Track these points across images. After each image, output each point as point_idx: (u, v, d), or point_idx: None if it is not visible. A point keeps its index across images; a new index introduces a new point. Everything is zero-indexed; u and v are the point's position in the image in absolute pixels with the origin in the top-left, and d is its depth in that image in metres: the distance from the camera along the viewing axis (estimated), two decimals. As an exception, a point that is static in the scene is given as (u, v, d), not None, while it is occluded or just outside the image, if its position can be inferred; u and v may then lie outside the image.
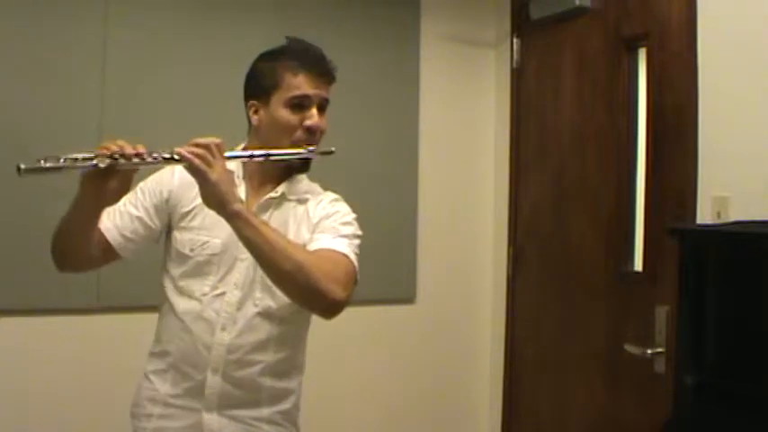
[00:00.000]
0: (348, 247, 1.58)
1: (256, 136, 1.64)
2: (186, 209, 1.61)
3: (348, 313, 2.83)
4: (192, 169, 1.41)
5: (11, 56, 2.35)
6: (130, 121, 2.43)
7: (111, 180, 1.43)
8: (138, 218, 1.62)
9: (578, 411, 2.56)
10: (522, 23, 2.93)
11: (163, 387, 1.64)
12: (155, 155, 1.42)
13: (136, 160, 1.41)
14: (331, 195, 1.72)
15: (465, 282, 3.07)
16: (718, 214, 1.99)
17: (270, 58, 1.66)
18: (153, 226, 1.63)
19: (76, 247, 1.55)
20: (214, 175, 1.40)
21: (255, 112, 1.63)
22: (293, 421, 1.70)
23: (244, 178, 1.64)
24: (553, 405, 2.69)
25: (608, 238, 2.46)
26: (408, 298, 2.97)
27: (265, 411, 1.63)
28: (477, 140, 3.09)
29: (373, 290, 2.89)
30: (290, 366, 1.68)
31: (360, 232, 1.67)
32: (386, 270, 2.90)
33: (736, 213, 1.93)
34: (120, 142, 1.41)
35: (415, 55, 2.96)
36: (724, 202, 1.98)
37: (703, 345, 1.57)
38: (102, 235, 1.59)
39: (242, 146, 1.66)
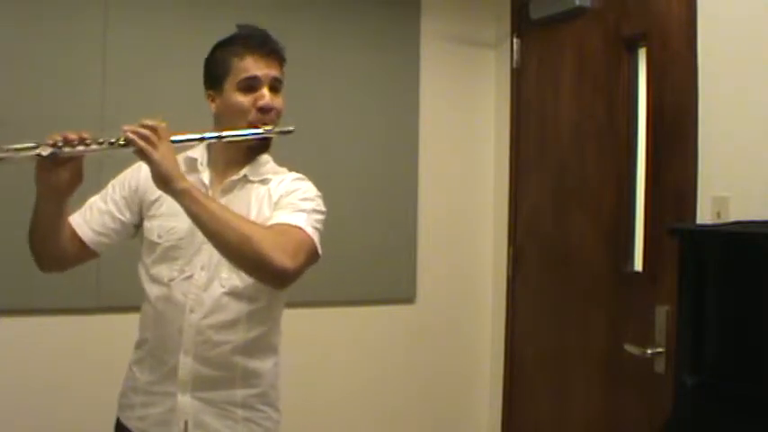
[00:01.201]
0: (305, 221, 1.59)
1: (218, 124, 1.67)
2: (154, 197, 1.65)
3: (348, 313, 2.88)
4: (138, 151, 1.45)
5: (11, 56, 2.36)
6: (131, 121, 2.42)
7: (61, 171, 1.48)
8: (107, 211, 1.67)
9: (578, 411, 2.56)
10: (522, 23, 2.93)
11: (142, 375, 1.68)
12: (100, 140, 1.46)
13: (80, 147, 1.46)
14: (294, 175, 1.74)
15: (465, 282, 3.07)
16: (718, 214, 1.99)
17: (219, 47, 1.70)
18: (123, 218, 1.67)
19: (48, 244, 1.60)
20: (157, 154, 1.44)
21: (213, 101, 1.68)
22: (270, 403, 1.73)
23: (208, 165, 1.69)
24: (553, 405, 2.69)
25: (608, 238, 2.46)
26: (408, 298, 2.97)
27: (239, 394, 1.66)
28: (477, 140, 3.09)
29: (373, 290, 2.91)
30: (263, 346, 1.70)
31: (323, 209, 1.69)
32: (386, 270, 2.91)
33: (736, 213, 1.93)
34: (68, 132, 1.46)
35: (415, 55, 2.96)
36: (724, 202, 1.98)
37: (703, 345, 1.57)
38: (73, 231, 1.63)
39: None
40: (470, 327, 3.08)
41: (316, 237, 1.61)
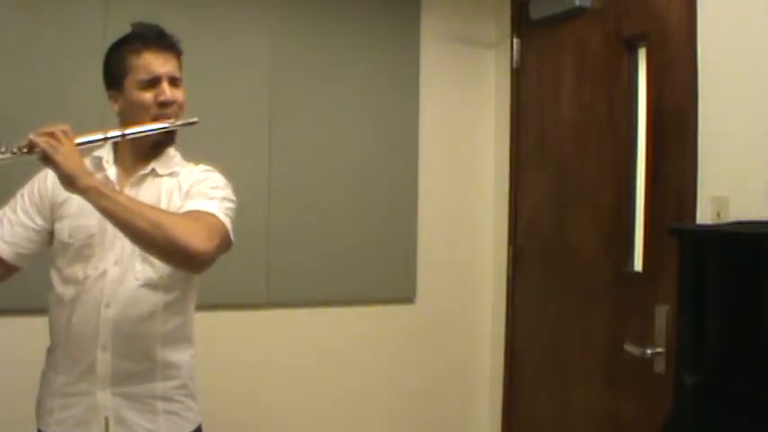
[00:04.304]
0: (216, 208, 1.61)
1: (122, 124, 1.68)
2: (62, 198, 1.65)
3: (348, 313, 2.89)
4: (42, 157, 1.46)
5: (11, 56, 2.35)
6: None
7: None
8: (19, 222, 1.66)
9: (578, 411, 2.56)
10: (522, 23, 2.93)
11: (57, 379, 1.68)
12: (2, 149, 1.48)
13: None
14: (203, 167, 1.75)
15: (465, 282, 3.07)
16: (718, 214, 1.99)
17: (116, 47, 1.73)
18: (34, 226, 1.66)
19: None
20: (59, 155, 1.45)
21: (115, 101, 1.70)
22: (189, 394, 1.74)
23: (115, 162, 1.71)
24: (553, 405, 2.69)
25: (608, 238, 2.46)
26: (408, 298, 2.97)
27: (159, 387, 1.67)
28: (477, 140, 3.09)
29: (373, 290, 2.92)
30: (180, 337, 1.72)
31: (233, 198, 1.69)
32: (386, 270, 2.91)
33: (735, 213, 1.93)
34: None
35: (415, 55, 2.96)
36: (724, 202, 1.98)
37: (703, 345, 1.57)
38: None
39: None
40: (470, 327, 3.08)
41: (227, 223, 1.62)
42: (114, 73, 1.69)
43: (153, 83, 1.65)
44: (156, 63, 1.65)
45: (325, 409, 2.84)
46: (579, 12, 2.58)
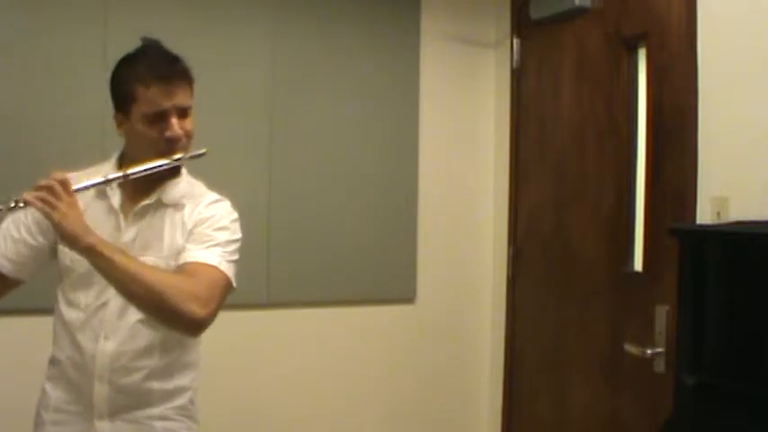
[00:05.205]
0: (219, 257, 1.58)
1: (126, 146, 1.66)
2: None
3: (348, 313, 2.89)
4: (41, 213, 1.44)
5: (11, 57, 2.35)
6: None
7: None
8: (21, 240, 1.63)
9: (578, 411, 2.56)
10: (522, 23, 2.93)
11: (55, 393, 1.66)
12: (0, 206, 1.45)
13: None
14: (210, 197, 1.69)
15: (465, 282, 3.07)
16: (718, 214, 1.99)
17: (125, 66, 1.63)
18: (36, 244, 1.63)
19: None
20: (57, 215, 1.42)
21: (120, 124, 1.63)
22: (189, 416, 1.71)
23: (119, 186, 1.64)
24: (553, 405, 2.69)
25: (608, 238, 2.46)
26: (408, 298, 2.97)
27: (156, 411, 1.65)
28: (477, 140, 3.09)
29: (373, 290, 2.92)
30: (179, 367, 1.69)
31: (237, 236, 1.66)
32: (386, 270, 2.91)
33: (736, 213, 1.93)
34: None
35: (415, 55, 2.96)
36: (724, 202, 1.98)
37: (703, 345, 1.57)
38: None
39: (117, 153, 1.67)
40: (470, 326, 3.08)
41: (230, 271, 1.60)
42: (121, 96, 1.61)
43: (160, 117, 1.57)
44: (164, 96, 1.56)
45: (326, 409, 2.84)
46: (579, 12, 2.58)
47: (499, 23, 3.06)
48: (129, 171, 1.57)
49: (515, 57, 2.95)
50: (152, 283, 1.45)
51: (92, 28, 2.46)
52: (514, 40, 2.96)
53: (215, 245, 1.59)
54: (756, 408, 1.44)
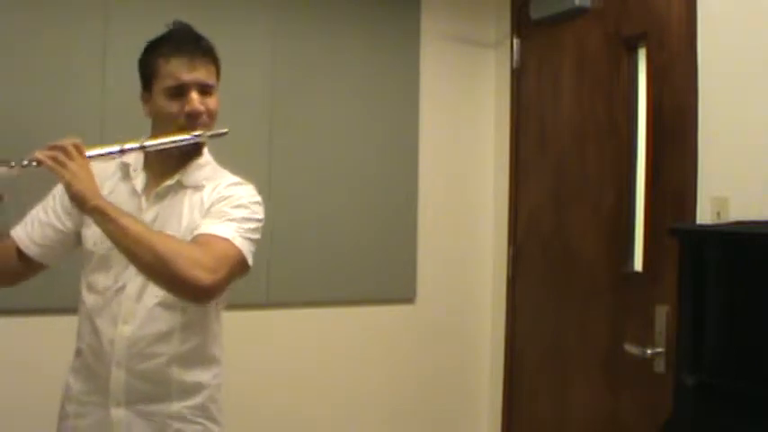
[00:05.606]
0: (234, 231, 1.53)
1: (152, 126, 1.65)
2: None
3: (348, 313, 2.89)
4: (52, 171, 1.43)
5: (11, 57, 2.35)
6: (132, 122, 2.42)
7: None
8: (48, 223, 1.64)
9: (578, 411, 2.56)
10: (522, 23, 2.93)
11: (76, 385, 1.66)
12: (12, 163, 1.44)
13: None
14: (232, 179, 1.67)
15: (465, 282, 3.07)
16: (718, 214, 1.99)
17: (149, 47, 1.65)
18: (64, 228, 1.64)
19: None
20: (67, 174, 1.42)
21: (146, 103, 1.65)
22: (209, 416, 1.67)
23: (144, 169, 1.65)
24: (553, 405, 2.69)
25: (608, 238, 2.46)
26: (408, 298, 2.97)
27: (174, 407, 1.61)
28: (477, 140, 3.09)
29: (373, 290, 2.92)
30: (199, 357, 1.65)
31: (258, 216, 1.61)
32: (386, 270, 2.91)
33: (736, 213, 1.93)
34: None
35: (415, 55, 2.96)
36: (724, 202, 1.98)
37: (703, 345, 1.57)
38: (15, 245, 1.62)
39: (144, 138, 1.66)
40: (470, 327, 3.08)
41: (245, 247, 1.55)
42: (145, 75, 1.62)
43: (180, 91, 1.57)
44: (183, 70, 1.56)
45: (326, 409, 2.84)
46: (579, 12, 2.59)
47: (499, 23, 3.06)
48: (146, 143, 1.57)
49: (515, 57, 2.95)
50: (158, 247, 1.42)
51: (92, 28, 2.45)
52: (514, 40, 2.96)
53: (231, 220, 1.55)
54: (756, 408, 1.44)
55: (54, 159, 1.42)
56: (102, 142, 1.55)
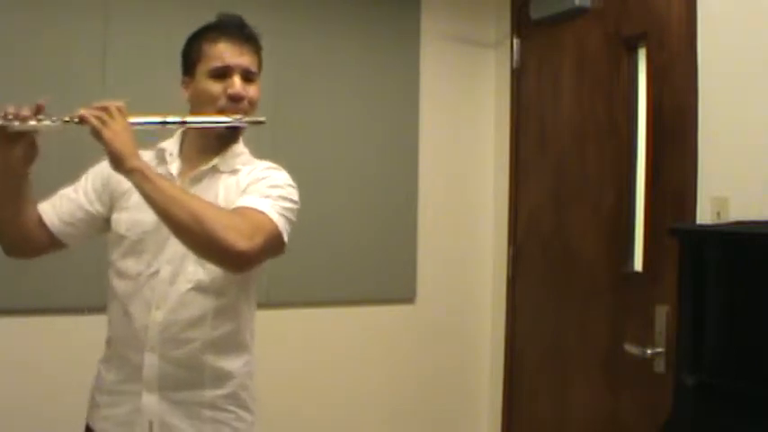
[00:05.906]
0: (270, 207, 1.52)
1: (190, 111, 1.65)
2: (123, 188, 1.61)
3: (348, 313, 2.89)
4: (92, 131, 1.43)
5: (11, 57, 2.35)
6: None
7: (14, 146, 1.48)
8: (76, 201, 1.64)
9: (578, 411, 2.56)
10: (522, 23, 2.93)
11: (108, 375, 1.65)
12: (53, 117, 1.45)
13: (32, 122, 1.45)
14: (267, 164, 1.68)
15: (465, 282, 3.08)
16: (718, 214, 1.99)
17: (196, 35, 1.67)
18: (93, 210, 1.64)
19: (8, 226, 1.58)
20: (108, 132, 1.42)
21: (186, 87, 1.65)
22: (242, 404, 1.65)
23: (179, 155, 1.65)
24: (553, 405, 2.69)
25: (608, 238, 2.46)
26: (408, 298, 2.97)
27: (207, 395, 1.60)
28: (477, 140, 3.09)
29: (373, 290, 2.92)
30: (231, 344, 1.63)
31: (294, 197, 1.61)
32: (386, 270, 2.91)
33: (736, 213, 1.93)
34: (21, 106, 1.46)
35: (415, 55, 2.96)
36: (724, 202, 1.98)
37: (703, 345, 1.57)
38: (41, 218, 1.61)
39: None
40: (470, 327, 3.08)
41: (281, 223, 1.53)
42: (188, 59, 1.64)
43: (224, 73, 1.59)
44: (229, 53, 1.59)
45: (326, 409, 2.84)
46: (579, 12, 2.59)
47: (499, 23, 3.06)
48: (188, 119, 1.58)
49: (515, 57, 2.95)
50: (194, 208, 1.41)
51: (92, 28, 2.45)
52: (514, 40, 2.96)
53: (267, 196, 1.54)
54: (756, 408, 1.44)
55: (97, 118, 1.43)
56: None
